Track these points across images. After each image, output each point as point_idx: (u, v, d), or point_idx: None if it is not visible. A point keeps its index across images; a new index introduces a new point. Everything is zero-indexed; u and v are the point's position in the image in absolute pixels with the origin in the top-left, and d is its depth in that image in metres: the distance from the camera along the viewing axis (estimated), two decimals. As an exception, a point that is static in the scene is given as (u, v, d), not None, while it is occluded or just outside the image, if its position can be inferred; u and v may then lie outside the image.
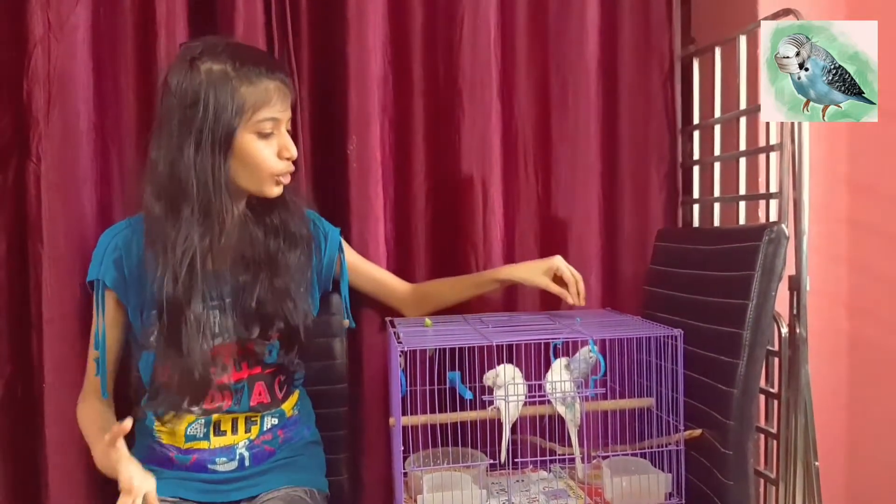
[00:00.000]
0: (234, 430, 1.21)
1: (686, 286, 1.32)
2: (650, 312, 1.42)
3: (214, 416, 1.20)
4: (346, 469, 1.39)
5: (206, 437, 1.20)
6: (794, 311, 1.30)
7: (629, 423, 1.30)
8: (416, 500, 1.18)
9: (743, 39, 1.41)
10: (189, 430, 1.19)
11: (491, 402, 1.23)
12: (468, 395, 1.25)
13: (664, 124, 1.57)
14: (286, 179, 1.17)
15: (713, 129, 1.53)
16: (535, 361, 1.27)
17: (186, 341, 1.10)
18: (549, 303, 1.53)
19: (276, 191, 1.16)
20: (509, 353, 1.27)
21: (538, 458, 1.32)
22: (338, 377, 1.37)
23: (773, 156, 1.34)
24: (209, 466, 1.20)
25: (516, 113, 1.55)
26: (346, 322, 1.35)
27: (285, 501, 1.19)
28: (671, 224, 1.57)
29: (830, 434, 1.49)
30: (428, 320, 1.30)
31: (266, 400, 1.23)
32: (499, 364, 1.21)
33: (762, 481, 1.36)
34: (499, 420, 1.22)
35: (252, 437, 1.22)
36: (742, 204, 1.46)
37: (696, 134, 1.59)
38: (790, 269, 1.26)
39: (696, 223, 1.59)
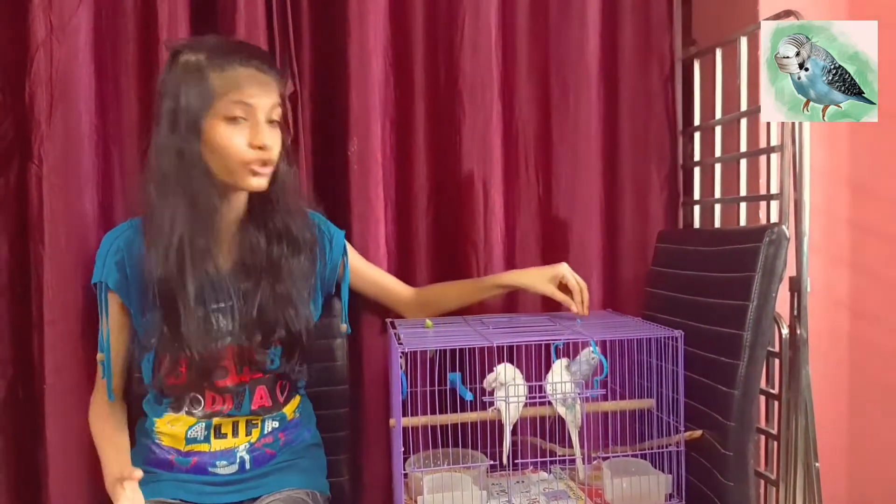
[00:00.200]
0: (235, 433, 1.21)
1: (687, 287, 1.32)
2: (651, 313, 1.42)
3: (215, 420, 1.20)
4: (346, 470, 1.39)
5: (207, 439, 1.20)
6: (795, 313, 1.30)
7: (629, 424, 1.30)
8: (416, 501, 1.18)
9: (744, 41, 1.41)
10: (189, 432, 1.19)
11: (491, 404, 1.23)
12: (468, 397, 1.25)
13: (665, 125, 1.57)
14: (263, 171, 1.12)
15: (714, 130, 1.53)
16: (535, 362, 1.27)
17: (185, 323, 1.10)
18: (549, 304, 1.53)
19: (253, 182, 1.12)
20: (510, 355, 1.27)
21: (538, 459, 1.32)
22: (338, 378, 1.37)
23: (774, 157, 1.34)
24: (209, 469, 1.20)
25: (517, 114, 1.55)
26: (344, 327, 1.35)
27: (286, 503, 1.19)
28: (672, 225, 1.57)
29: (831, 435, 1.49)
30: (428, 321, 1.30)
31: (267, 404, 1.23)
32: (499, 364, 1.21)
33: (762, 482, 1.36)
34: (499, 421, 1.22)
35: (252, 441, 1.22)
36: (743, 205, 1.46)
37: (697, 135, 1.59)
38: (791, 271, 1.26)
39: (696, 224, 1.59)
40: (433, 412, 1.21)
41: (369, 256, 1.41)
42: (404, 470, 1.21)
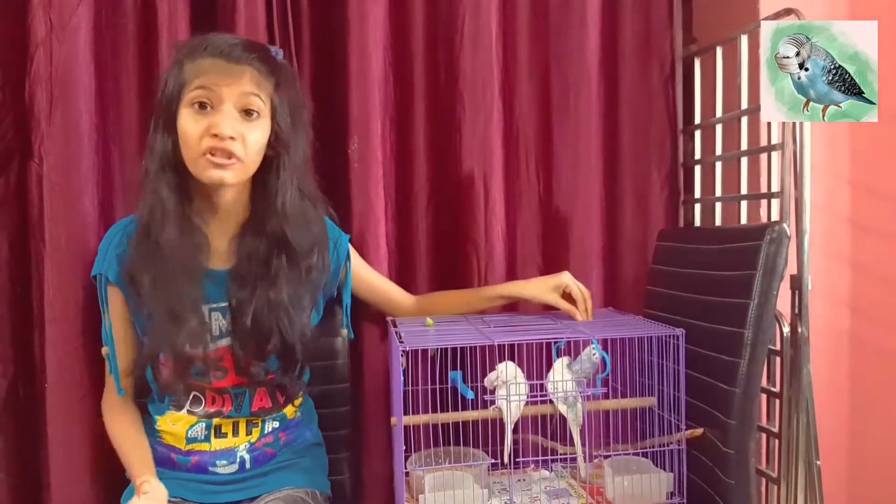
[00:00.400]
0: (235, 432, 1.21)
1: (687, 286, 1.32)
2: (652, 312, 1.42)
3: (216, 420, 1.20)
4: (347, 468, 1.39)
5: (207, 439, 1.20)
6: (796, 311, 1.30)
7: (631, 422, 1.30)
8: (417, 500, 1.18)
9: (744, 39, 1.41)
10: (190, 432, 1.19)
11: (493, 402, 1.23)
12: (470, 395, 1.25)
13: (665, 124, 1.57)
14: (221, 161, 1.07)
15: (714, 128, 1.53)
16: (536, 361, 1.27)
17: (167, 321, 1.10)
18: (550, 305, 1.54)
19: (212, 174, 1.07)
20: (511, 353, 1.27)
21: (540, 458, 1.32)
22: (340, 377, 1.37)
23: (775, 155, 1.34)
24: (210, 468, 1.19)
25: (517, 113, 1.55)
26: (345, 332, 1.35)
27: (286, 502, 1.18)
28: (673, 224, 1.57)
29: (832, 433, 1.49)
30: (429, 320, 1.30)
31: (267, 405, 1.23)
32: (500, 363, 1.21)
33: (764, 480, 1.36)
34: (500, 419, 1.22)
35: (253, 440, 1.22)
36: (743, 203, 1.46)
37: (698, 133, 1.59)
38: (792, 269, 1.26)
39: (697, 223, 1.59)
40: (434, 410, 1.22)
41: (369, 255, 1.41)
42: (406, 468, 1.21)
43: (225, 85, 1.07)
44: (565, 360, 1.24)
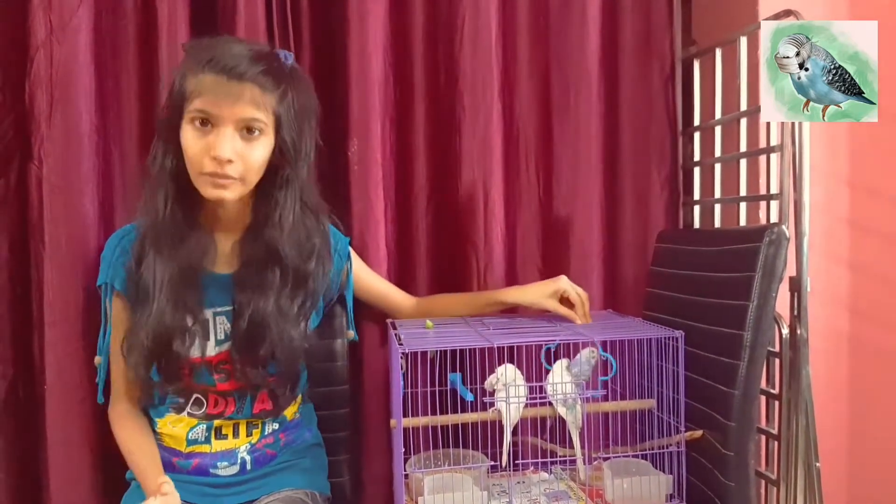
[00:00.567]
0: (236, 434, 1.21)
1: (687, 287, 1.32)
2: (651, 314, 1.42)
3: (216, 422, 1.20)
4: (347, 470, 1.39)
5: (208, 440, 1.20)
6: (795, 312, 1.30)
7: (630, 424, 1.30)
8: (416, 502, 1.18)
9: (743, 41, 1.41)
10: (190, 434, 1.19)
11: (492, 404, 1.23)
12: (469, 397, 1.25)
13: (665, 126, 1.57)
14: (223, 183, 1.08)
15: (714, 130, 1.53)
16: (535, 363, 1.27)
17: (160, 319, 1.10)
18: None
19: (211, 193, 1.08)
20: (510, 355, 1.27)
21: (539, 460, 1.32)
22: (339, 379, 1.37)
23: (774, 157, 1.34)
24: (210, 471, 1.20)
25: (517, 114, 1.55)
26: (350, 334, 1.35)
27: (285, 503, 1.18)
28: (672, 225, 1.57)
29: (831, 435, 1.49)
30: (429, 322, 1.30)
31: (269, 407, 1.23)
32: (500, 365, 1.21)
33: (763, 482, 1.35)
34: (500, 422, 1.22)
35: (253, 441, 1.22)
36: (743, 205, 1.46)
37: (697, 135, 1.59)
38: (791, 270, 1.26)
39: (696, 224, 1.59)
40: (434, 412, 1.21)
41: (369, 256, 1.41)
42: (405, 470, 1.21)
43: (226, 106, 1.06)
44: (564, 362, 1.24)
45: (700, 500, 1.21)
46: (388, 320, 1.36)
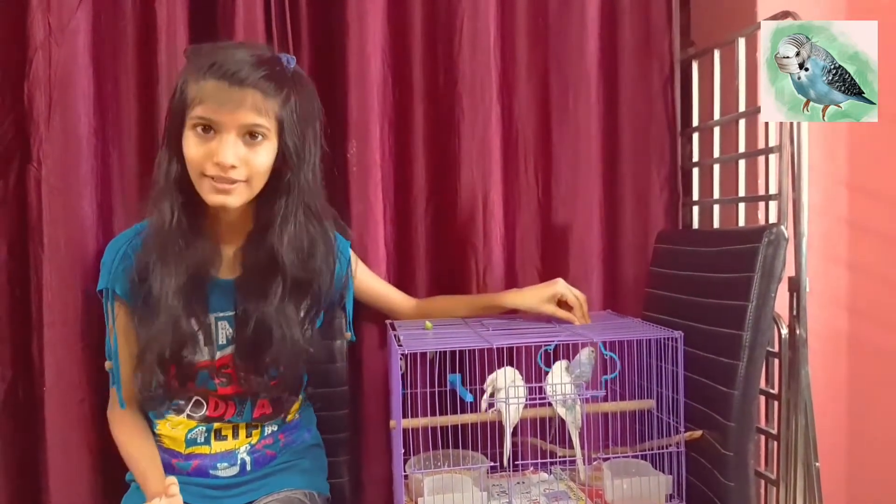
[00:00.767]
0: (235, 435, 1.21)
1: (686, 288, 1.32)
2: (650, 314, 1.42)
3: (216, 424, 1.20)
4: (346, 471, 1.39)
5: (207, 441, 1.20)
6: (794, 313, 1.30)
7: (630, 424, 1.31)
8: (416, 503, 1.18)
9: (742, 42, 1.41)
10: (189, 435, 1.19)
11: (491, 405, 1.23)
12: (469, 398, 1.25)
13: (664, 126, 1.57)
14: (224, 187, 1.08)
15: (712, 131, 1.53)
16: (535, 364, 1.27)
17: (168, 327, 1.10)
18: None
19: (214, 199, 1.08)
20: (509, 356, 1.27)
21: (539, 461, 1.32)
22: (338, 380, 1.37)
23: (773, 157, 1.34)
24: (210, 472, 1.20)
25: (516, 116, 1.55)
26: (348, 335, 1.35)
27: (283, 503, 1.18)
28: (672, 226, 1.57)
29: (831, 435, 1.49)
30: (428, 323, 1.30)
31: (269, 412, 1.23)
32: (499, 367, 1.21)
33: (763, 482, 1.35)
34: (499, 422, 1.22)
35: (253, 442, 1.22)
36: (742, 206, 1.46)
37: (696, 136, 1.59)
38: (790, 271, 1.26)
39: (695, 225, 1.59)
40: (433, 413, 1.21)
41: (368, 258, 1.41)
42: (405, 471, 1.21)
43: (227, 112, 1.06)
44: (563, 362, 1.24)
45: (700, 501, 1.22)
46: (388, 321, 1.36)
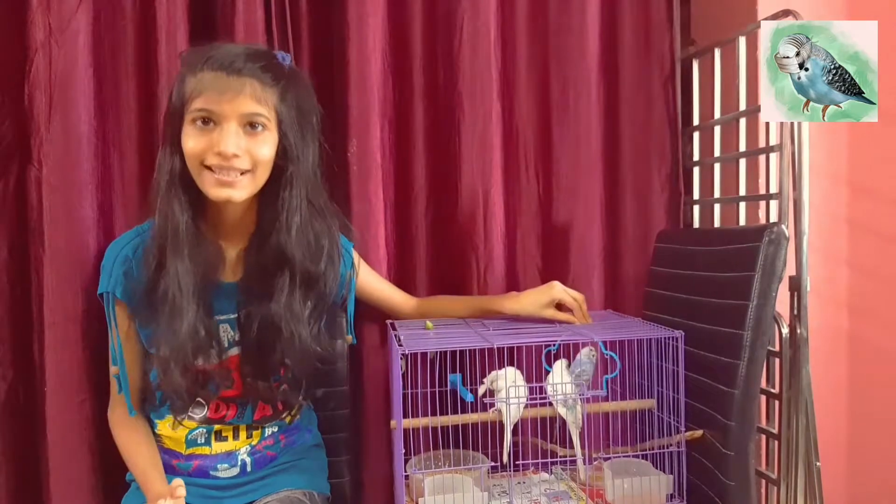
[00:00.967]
0: (236, 436, 1.21)
1: (687, 287, 1.32)
2: (651, 313, 1.42)
3: (216, 426, 1.20)
4: (347, 471, 1.39)
5: (208, 442, 1.20)
6: (795, 312, 1.30)
7: (630, 424, 1.30)
8: (417, 503, 1.18)
9: (742, 41, 1.41)
10: (190, 436, 1.19)
11: (492, 405, 1.23)
12: (469, 398, 1.25)
13: (665, 125, 1.57)
14: (226, 178, 1.06)
15: (713, 130, 1.53)
16: (535, 364, 1.27)
17: (182, 332, 1.08)
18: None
19: (218, 192, 1.07)
20: (510, 356, 1.27)
21: (540, 460, 1.32)
22: (339, 380, 1.37)
23: (773, 156, 1.34)
24: (211, 473, 1.19)
25: (517, 115, 1.55)
26: (350, 339, 1.35)
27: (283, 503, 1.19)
28: (673, 225, 1.57)
29: (831, 434, 1.50)
30: (429, 323, 1.30)
31: (269, 413, 1.23)
32: (500, 367, 1.21)
33: (763, 482, 1.36)
34: (500, 422, 1.22)
35: (254, 443, 1.22)
36: (742, 205, 1.46)
37: (696, 135, 1.59)
38: (790, 270, 1.26)
39: (696, 224, 1.59)
40: (434, 413, 1.21)
41: (369, 257, 1.41)
42: (405, 471, 1.21)
43: (226, 101, 1.05)
44: (564, 362, 1.24)
45: (700, 500, 1.22)
46: (388, 321, 1.36)
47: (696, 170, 1.59)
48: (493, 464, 1.26)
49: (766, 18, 1.27)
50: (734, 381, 1.14)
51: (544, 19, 1.54)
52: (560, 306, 1.33)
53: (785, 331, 1.30)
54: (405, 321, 1.36)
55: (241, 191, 1.08)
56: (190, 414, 1.19)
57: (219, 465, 1.19)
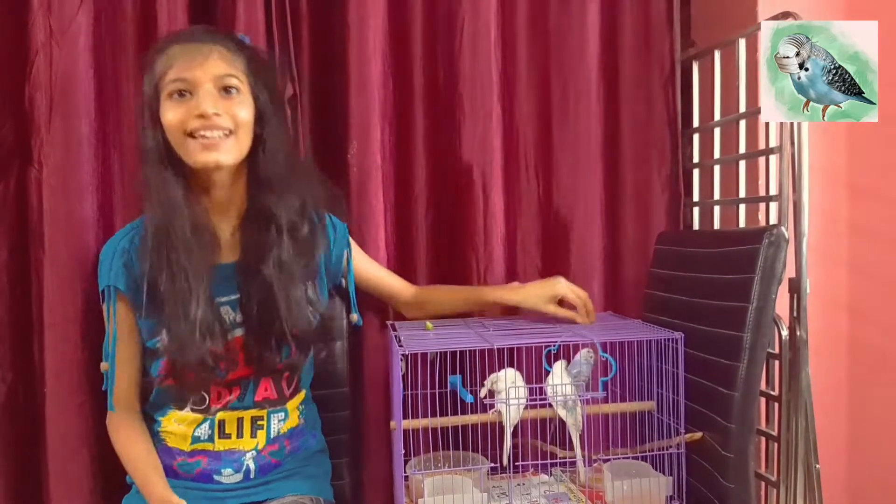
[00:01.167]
0: (240, 433, 1.20)
1: (686, 289, 1.32)
2: (651, 315, 1.42)
3: (219, 415, 1.19)
4: (347, 473, 1.39)
5: (211, 439, 1.19)
6: (795, 314, 1.30)
7: (630, 426, 1.30)
8: (417, 504, 1.18)
9: (742, 42, 1.41)
10: (195, 432, 1.19)
11: (492, 406, 1.23)
12: (469, 399, 1.25)
13: (665, 127, 1.57)
14: (213, 142, 1.08)
15: (713, 132, 1.53)
16: (535, 365, 1.27)
17: (187, 318, 1.09)
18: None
19: (205, 157, 1.08)
20: (510, 357, 1.27)
21: (539, 462, 1.32)
22: (339, 381, 1.37)
23: (773, 158, 1.34)
24: (214, 478, 1.19)
25: (517, 116, 1.55)
26: (355, 317, 1.34)
27: (288, 509, 1.18)
28: (673, 226, 1.57)
29: (831, 436, 1.49)
30: (429, 324, 1.30)
31: (273, 396, 1.22)
32: (500, 368, 1.21)
33: (763, 484, 1.35)
34: (500, 423, 1.22)
35: (259, 447, 1.21)
36: (742, 206, 1.46)
37: (696, 137, 1.59)
38: (790, 272, 1.26)
39: (696, 226, 1.59)
40: (434, 414, 1.22)
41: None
42: (405, 472, 1.21)
43: (198, 66, 1.07)
44: (563, 363, 1.24)
45: (700, 502, 1.22)
46: (389, 322, 1.36)
47: (695, 171, 1.59)
48: (492, 465, 1.26)
49: (766, 20, 1.27)
50: (734, 383, 1.14)
51: (544, 21, 1.54)
52: (563, 303, 1.33)
53: (785, 333, 1.30)
54: (405, 322, 1.36)
55: (226, 154, 1.10)
56: (193, 407, 1.18)
57: (223, 470, 1.18)
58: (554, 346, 1.22)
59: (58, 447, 1.26)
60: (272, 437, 1.22)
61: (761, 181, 1.42)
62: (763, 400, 1.32)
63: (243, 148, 1.12)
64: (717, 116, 1.51)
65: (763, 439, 1.36)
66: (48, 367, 1.26)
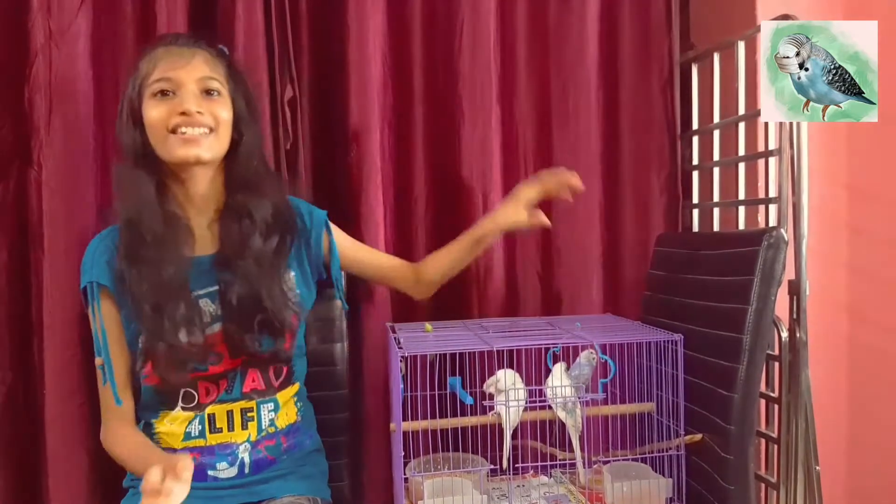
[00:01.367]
0: (231, 425, 1.20)
1: (686, 291, 1.32)
2: (650, 317, 1.42)
3: (208, 409, 1.19)
4: (347, 475, 1.38)
5: (203, 434, 1.19)
6: (794, 316, 1.30)
7: (630, 427, 1.30)
8: (416, 506, 1.18)
9: (741, 45, 1.41)
10: (187, 429, 1.18)
11: (492, 408, 1.23)
12: (469, 401, 1.25)
13: (664, 129, 1.57)
14: (194, 137, 1.09)
15: (712, 134, 1.53)
16: (535, 366, 1.27)
17: (168, 313, 1.09)
18: (549, 308, 1.54)
19: (186, 152, 1.10)
20: (510, 359, 1.27)
21: (539, 463, 1.32)
22: (338, 383, 1.37)
23: (773, 160, 1.34)
24: (209, 472, 1.19)
25: (516, 118, 1.55)
26: (339, 304, 1.32)
27: (286, 509, 1.18)
28: (672, 229, 1.57)
29: (831, 438, 1.50)
30: (428, 325, 1.30)
31: (261, 387, 1.21)
32: (499, 369, 1.21)
33: (763, 486, 1.35)
34: (499, 425, 1.22)
35: (252, 438, 1.21)
36: (741, 208, 1.46)
37: (695, 139, 1.59)
38: (790, 274, 1.26)
39: (695, 228, 1.59)
40: (433, 416, 1.22)
41: (369, 261, 1.40)
42: (405, 474, 1.21)
43: (181, 67, 1.10)
44: (563, 365, 1.24)
45: (700, 504, 1.22)
46: (388, 324, 1.36)
47: (695, 174, 1.59)
48: (492, 467, 1.26)
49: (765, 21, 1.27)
50: (733, 384, 1.14)
51: (544, 23, 1.55)
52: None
53: (784, 334, 1.30)
54: (405, 324, 1.36)
55: (207, 150, 1.12)
56: (183, 405, 1.18)
57: (217, 464, 1.18)
58: (556, 346, 1.22)
59: (58, 447, 1.26)
60: (263, 427, 1.22)
61: (760, 183, 1.42)
62: (763, 402, 1.32)
63: (223, 146, 1.15)
64: (716, 118, 1.51)
65: (763, 441, 1.36)
66: (48, 368, 1.26)
